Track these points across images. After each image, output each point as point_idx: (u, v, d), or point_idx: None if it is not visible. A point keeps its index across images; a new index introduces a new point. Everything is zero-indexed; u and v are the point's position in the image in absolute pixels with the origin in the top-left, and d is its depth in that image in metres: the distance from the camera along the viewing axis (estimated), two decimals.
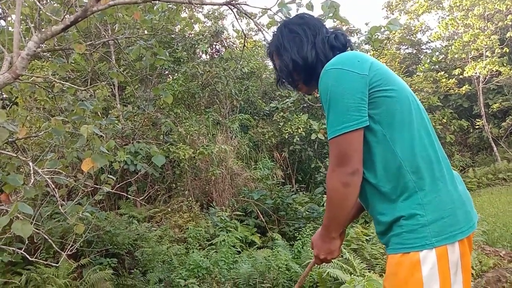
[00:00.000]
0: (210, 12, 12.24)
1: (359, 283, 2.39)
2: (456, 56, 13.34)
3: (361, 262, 4.12)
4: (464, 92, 13.13)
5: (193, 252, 5.79)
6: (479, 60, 12.63)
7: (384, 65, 1.33)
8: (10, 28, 3.92)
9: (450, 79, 13.25)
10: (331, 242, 1.37)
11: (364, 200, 1.35)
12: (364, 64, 1.25)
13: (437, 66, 14.50)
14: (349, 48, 1.45)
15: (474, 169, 11.95)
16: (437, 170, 1.23)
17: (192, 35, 10.11)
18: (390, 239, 1.25)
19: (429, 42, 16.68)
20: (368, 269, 4.02)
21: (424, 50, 16.89)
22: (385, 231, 1.29)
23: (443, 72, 13.67)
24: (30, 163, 2.59)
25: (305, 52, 1.40)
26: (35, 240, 4.60)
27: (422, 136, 1.25)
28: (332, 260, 1.47)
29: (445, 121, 12.97)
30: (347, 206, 1.25)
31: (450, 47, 13.72)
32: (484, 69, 12.13)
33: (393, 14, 17.75)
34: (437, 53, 15.40)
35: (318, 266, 4.20)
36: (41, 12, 3.12)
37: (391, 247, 1.24)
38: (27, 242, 3.22)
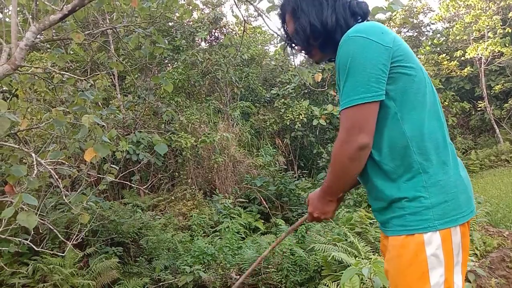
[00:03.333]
0: None
1: (365, 265, 2.40)
2: (457, 38, 13.22)
3: (366, 245, 4.14)
4: (466, 74, 13.04)
5: (197, 239, 5.83)
6: (481, 41, 12.50)
7: (404, 41, 1.27)
8: (7, 20, 3.89)
9: (452, 62, 13.14)
10: (327, 204, 1.37)
11: (363, 175, 1.32)
12: (388, 36, 1.20)
13: (438, 49, 14.37)
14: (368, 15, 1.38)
15: (476, 151, 11.94)
16: (443, 154, 1.22)
17: (191, 22, 10.02)
18: (390, 221, 1.25)
19: (431, 24, 16.52)
20: (373, 252, 4.05)
21: (426, 33, 16.73)
22: (383, 210, 1.28)
23: (445, 54, 13.55)
24: (33, 154, 2.59)
25: (324, 16, 1.32)
26: (40, 231, 4.64)
27: (432, 119, 1.23)
28: (325, 221, 1.48)
29: (447, 103, 12.91)
30: (349, 178, 1.25)
31: (451, 29, 13.58)
32: (486, 50, 12.02)
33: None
34: (438, 35, 15.25)
35: (322, 249, 4.23)
36: (38, 1, 3.08)
37: (393, 229, 1.23)
38: (32, 232, 3.25)
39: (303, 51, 1.46)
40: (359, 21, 1.34)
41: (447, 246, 1.16)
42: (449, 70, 13.27)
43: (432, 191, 1.18)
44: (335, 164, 1.23)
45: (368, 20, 1.37)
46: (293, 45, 1.49)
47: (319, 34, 1.34)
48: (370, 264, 2.44)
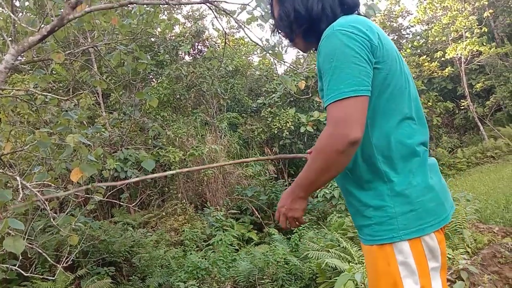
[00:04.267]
0: (189, 13, 12.18)
1: (358, 270, 2.40)
2: (436, 39, 13.48)
3: (359, 249, 4.14)
4: (447, 74, 13.29)
5: (190, 254, 5.77)
6: (459, 41, 12.77)
7: (386, 37, 1.22)
8: None
9: (433, 63, 13.38)
10: (297, 201, 1.23)
11: (337, 177, 1.29)
12: (372, 33, 1.15)
13: (418, 51, 14.64)
14: (356, 10, 1.31)
15: (462, 149, 12.11)
16: (411, 163, 1.17)
17: (173, 37, 10.05)
18: (361, 229, 1.24)
19: (410, 27, 16.83)
20: None
21: (406, 35, 17.04)
22: (353, 215, 1.27)
23: (425, 56, 13.80)
24: (18, 178, 2.55)
25: (310, 2, 1.25)
26: (29, 255, 4.54)
27: (405, 125, 1.18)
28: (293, 227, 1.29)
29: (430, 104, 13.11)
30: (332, 174, 1.14)
31: (430, 31, 13.86)
32: (465, 50, 12.28)
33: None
34: (418, 38, 15.54)
35: (315, 257, 4.22)
36: (16, 24, 3.06)
37: (363, 238, 1.23)
38: (21, 258, 3.17)
39: (286, 38, 1.40)
40: (346, 12, 1.27)
41: (418, 254, 1.13)
42: (431, 71, 13.51)
43: (397, 201, 1.14)
44: (319, 158, 1.11)
45: (356, 13, 1.31)
46: (278, 31, 1.41)
47: (303, 21, 1.28)
48: (363, 268, 2.44)
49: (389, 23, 16.24)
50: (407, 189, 1.14)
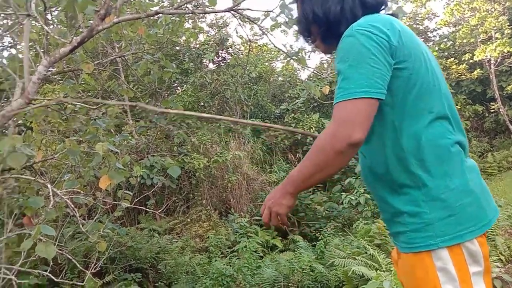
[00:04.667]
0: (213, 21, 12.31)
1: (386, 278, 2.34)
2: (464, 41, 13.13)
3: (386, 257, 4.06)
4: (476, 76, 12.91)
5: (215, 260, 5.79)
6: (488, 43, 12.40)
7: (412, 35, 1.17)
8: (20, 55, 4.00)
9: (461, 65, 13.04)
10: (285, 196, 1.17)
11: (368, 182, 1.26)
12: (394, 33, 1.10)
13: (446, 53, 14.29)
14: (383, 9, 1.26)
15: (493, 153, 11.71)
16: (447, 164, 1.11)
17: (198, 45, 10.18)
18: (397, 236, 1.20)
19: (437, 29, 16.48)
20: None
21: (432, 38, 16.69)
22: (387, 221, 1.23)
23: (453, 58, 13.46)
24: (49, 185, 2.62)
25: (329, 5, 1.22)
26: (59, 261, 4.67)
27: (438, 125, 1.13)
28: (276, 226, 1.20)
29: (459, 107, 12.76)
30: (325, 174, 1.10)
31: (457, 33, 13.52)
32: (494, 52, 11.90)
33: (397, 2, 17.58)
34: (445, 40, 15.19)
35: (342, 264, 4.16)
36: (48, 36, 3.17)
37: (400, 245, 1.19)
38: (51, 263, 3.25)
39: (306, 41, 1.38)
40: (368, 13, 1.21)
41: (457, 260, 1.08)
42: (459, 74, 13.16)
43: (433, 206, 1.09)
44: (317, 155, 1.08)
45: (381, 12, 1.26)
46: (300, 34, 1.38)
47: (321, 24, 1.25)
48: (391, 276, 2.39)
49: (415, 25, 15.95)
50: (444, 193, 1.09)
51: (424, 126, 1.12)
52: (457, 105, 12.67)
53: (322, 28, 1.27)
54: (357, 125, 1.03)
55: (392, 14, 1.28)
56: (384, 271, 3.57)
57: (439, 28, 16.19)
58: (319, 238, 5.77)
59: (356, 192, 6.62)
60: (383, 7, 1.27)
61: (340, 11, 1.22)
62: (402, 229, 1.15)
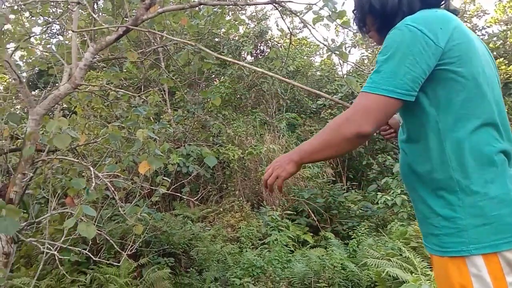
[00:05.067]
0: (253, 13, 12.31)
1: (424, 282, 2.27)
2: None
3: (422, 260, 3.94)
4: None
5: (246, 251, 5.84)
6: None
7: (469, 36, 1.13)
8: (67, 42, 4.17)
9: (510, 66, 12.38)
10: (289, 163, 1.24)
11: (406, 179, 1.26)
12: (445, 33, 1.08)
13: (495, 53, 13.61)
14: (443, 5, 1.24)
15: None
16: (488, 171, 1.08)
17: (237, 37, 10.22)
18: (428, 236, 1.18)
19: (486, 27, 15.71)
20: (430, 268, 3.84)
21: (481, 37, 15.93)
22: (422, 221, 1.21)
23: (502, 58, 12.80)
24: (91, 168, 2.72)
25: None
26: (97, 241, 4.86)
27: (484, 130, 1.10)
28: (279, 177, 1.26)
29: (507, 110, 12.16)
30: (331, 153, 1.17)
31: (509, 32, 12.84)
32: None
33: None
34: (494, 39, 14.46)
35: (375, 265, 4.08)
36: (95, 24, 3.28)
37: (431, 247, 1.17)
38: (90, 243, 3.39)
39: (360, 31, 1.38)
40: (428, 7, 1.19)
41: (493, 268, 1.04)
42: (508, 75, 12.51)
43: (469, 212, 1.07)
44: (327, 135, 1.14)
45: (442, 7, 1.23)
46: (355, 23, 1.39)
47: (377, 15, 1.25)
48: (429, 281, 2.31)
49: (464, 23, 15.29)
50: (482, 200, 1.06)
51: (470, 131, 1.09)
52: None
53: (378, 19, 1.26)
54: (371, 119, 1.07)
55: (452, 10, 1.24)
56: (420, 274, 3.48)
57: (488, 27, 15.42)
58: (352, 236, 5.69)
59: (392, 193, 6.46)
60: (443, 2, 1.23)
61: (398, 3, 1.20)
62: (435, 231, 1.14)
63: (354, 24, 1.39)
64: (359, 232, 5.68)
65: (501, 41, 13.83)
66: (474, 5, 15.79)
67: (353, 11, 1.36)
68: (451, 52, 1.08)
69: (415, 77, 1.06)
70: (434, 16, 1.11)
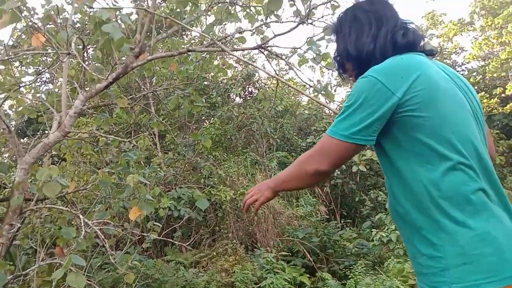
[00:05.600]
0: (240, 57, 12.63)
1: None
2: (495, 75, 12.92)
3: None
4: (508, 110, 12.58)
5: None
6: None
7: (435, 81, 1.15)
8: (57, 90, 4.22)
9: (492, 99, 12.77)
10: (268, 189, 1.41)
11: (393, 218, 1.29)
12: (405, 82, 1.12)
13: (476, 87, 14.07)
14: (420, 46, 1.28)
15: None
16: (467, 211, 1.09)
17: (225, 80, 10.44)
18: (419, 276, 1.20)
19: (465, 64, 16.31)
20: None
21: (461, 72, 16.49)
22: (412, 260, 1.23)
23: (483, 92, 13.22)
24: (81, 216, 2.68)
25: (362, 44, 1.28)
26: None
27: (460, 171, 1.11)
28: (250, 210, 1.51)
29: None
30: (299, 185, 1.36)
31: (487, 67, 13.34)
32: None
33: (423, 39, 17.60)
34: (474, 74, 15.00)
35: None
36: (85, 72, 3.33)
37: (420, 285, 1.19)
38: None
39: (340, 76, 1.46)
40: (400, 52, 1.24)
41: None
42: (490, 108, 12.87)
43: (450, 251, 1.08)
44: (294, 168, 1.31)
45: (415, 50, 1.27)
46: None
47: (354, 61, 1.33)
48: None
49: (442, 60, 15.85)
50: (461, 239, 1.07)
51: (442, 172, 1.11)
52: None
53: (355, 65, 1.34)
54: (328, 160, 1.20)
55: (429, 51, 1.29)
56: None
57: (467, 62, 16.02)
58: (349, 276, 5.57)
59: (387, 229, 6.41)
60: (416, 47, 1.28)
61: (372, 50, 1.27)
62: (423, 270, 1.15)
63: (335, 70, 1.47)
64: (356, 271, 5.57)
65: (481, 76, 14.33)
66: (452, 42, 16.47)
67: (334, 58, 1.44)
68: (413, 99, 1.12)
69: (370, 124, 1.14)
70: (398, 65, 1.17)
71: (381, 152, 1.24)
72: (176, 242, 4.54)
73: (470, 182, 1.11)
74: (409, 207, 1.17)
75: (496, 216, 1.11)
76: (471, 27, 15.88)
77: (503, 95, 12.43)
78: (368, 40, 1.27)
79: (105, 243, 2.90)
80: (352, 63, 1.34)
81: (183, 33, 9.63)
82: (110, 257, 2.90)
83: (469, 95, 1.28)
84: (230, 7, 3.59)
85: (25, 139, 9.30)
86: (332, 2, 3.18)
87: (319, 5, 3.26)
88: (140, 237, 3.94)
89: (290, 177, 1.33)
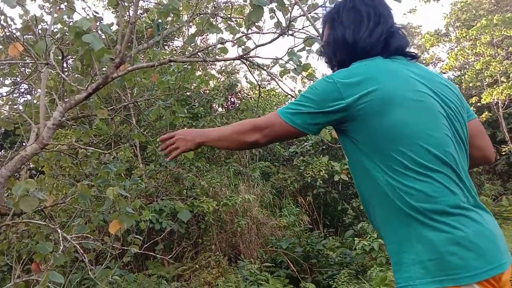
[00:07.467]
0: (223, 68, 12.67)
1: None
2: (470, 84, 13.29)
3: None
4: (485, 119, 12.93)
5: None
6: (495, 86, 12.53)
7: (399, 90, 1.16)
8: (35, 101, 4.12)
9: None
10: (190, 141, 1.43)
11: (366, 209, 1.31)
12: (362, 89, 1.15)
13: None
14: (404, 49, 1.30)
15: (507, 197, 11.46)
16: (435, 208, 1.09)
17: (208, 91, 10.43)
18: (393, 272, 1.20)
19: (442, 74, 16.72)
20: None
21: None
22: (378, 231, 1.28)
23: None
24: (59, 230, 2.61)
25: (360, 35, 1.28)
26: None
27: (422, 175, 1.11)
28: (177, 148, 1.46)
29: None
30: (227, 146, 1.41)
31: (463, 77, 13.72)
32: (501, 95, 11.99)
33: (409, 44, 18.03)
34: None
35: None
36: (64, 83, 3.28)
37: (396, 285, 1.19)
38: None
39: (328, 65, 1.44)
40: (383, 52, 1.27)
41: None
42: None
43: (417, 248, 1.09)
44: (231, 133, 1.35)
45: (403, 53, 1.30)
46: (322, 56, 1.46)
47: (348, 50, 1.31)
48: None
49: None
50: (428, 236, 1.08)
51: (412, 180, 1.11)
52: None
53: (346, 55, 1.32)
54: (270, 136, 1.30)
55: (410, 55, 1.31)
56: None
57: (444, 73, 16.44)
58: (333, 286, 5.57)
59: (369, 238, 6.46)
60: (403, 51, 1.30)
61: (368, 44, 1.28)
62: (394, 268, 1.16)
63: (323, 55, 1.46)
64: (339, 281, 5.58)
65: (457, 86, 14.71)
66: (428, 54, 16.91)
67: (325, 43, 1.41)
68: (362, 104, 1.15)
69: (314, 117, 1.22)
70: (359, 71, 1.20)
71: (347, 153, 1.31)
72: (158, 256, 4.45)
73: (441, 194, 1.11)
74: (380, 204, 1.19)
75: (467, 216, 1.11)
76: (447, 38, 16.35)
77: (478, 104, 12.77)
78: (366, 34, 1.28)
79: (85, 258, 2.82)
80: (345, 51, 1.33)
81: (165, 43, 9.61)
82: (90, 272, 2.82)
83: (448, 97, 1.25)
84: (211, 19, 3.60)
85: (2, 151, 9.05)
86: (312, 14, 3.22)
87: (299, 16, 3.29)
88: (120, 251, 3.85)
89: (223, 139, 1.38)
